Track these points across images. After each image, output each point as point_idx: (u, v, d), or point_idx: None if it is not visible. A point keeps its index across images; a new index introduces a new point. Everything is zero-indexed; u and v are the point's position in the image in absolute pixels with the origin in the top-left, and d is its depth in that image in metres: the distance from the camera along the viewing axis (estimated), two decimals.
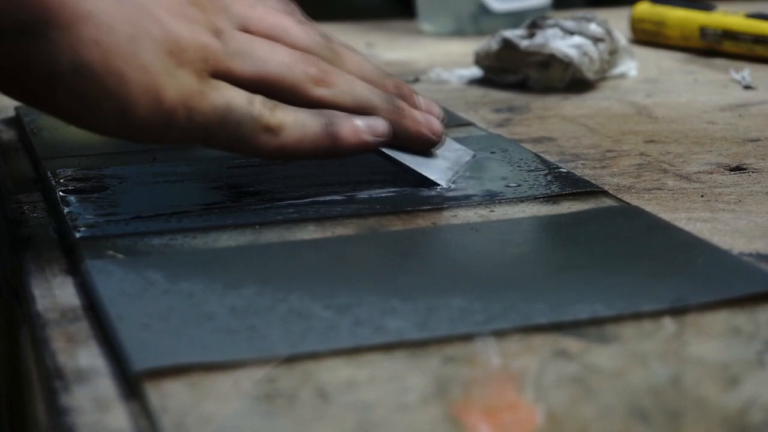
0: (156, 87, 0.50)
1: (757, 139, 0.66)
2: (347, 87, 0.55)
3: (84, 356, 0.41)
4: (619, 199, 0.55)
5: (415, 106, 0.58)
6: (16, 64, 0.49)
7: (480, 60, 0.83)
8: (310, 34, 0.56)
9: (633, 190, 0.57)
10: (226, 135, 0.52)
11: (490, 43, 0.82)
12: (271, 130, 0.52)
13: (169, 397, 0.37)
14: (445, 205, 0.54)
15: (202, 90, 0.51)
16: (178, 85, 0.50)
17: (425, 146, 0.58)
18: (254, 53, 0.53)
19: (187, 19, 0.51)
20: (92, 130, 0.52)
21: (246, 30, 0.54)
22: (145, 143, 0.53)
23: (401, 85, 0.59)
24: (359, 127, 0.54)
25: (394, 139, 0.56)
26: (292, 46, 0.55)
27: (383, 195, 0.56)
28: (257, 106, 0.52)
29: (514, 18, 1.01)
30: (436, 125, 0.58)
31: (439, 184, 0.57)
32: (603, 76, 0.82)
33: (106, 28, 0.49)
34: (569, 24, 0.80)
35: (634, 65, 0.84)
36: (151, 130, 0.51)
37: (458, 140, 0.62)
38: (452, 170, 0.58)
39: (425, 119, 0.58)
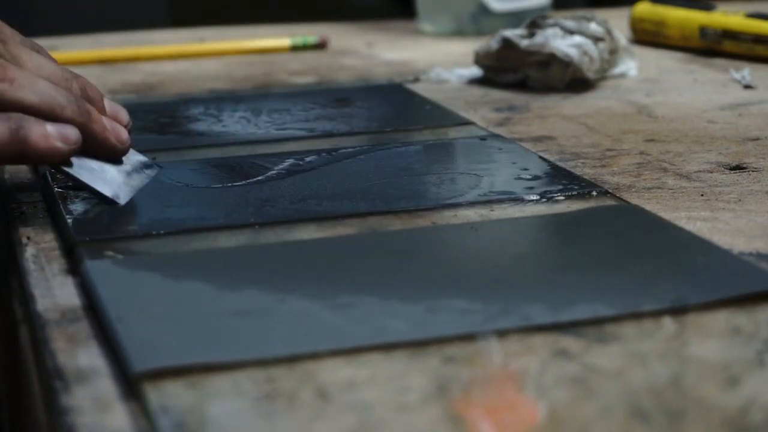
0: None
1: (757, 138, 0.66)
2: (29, 84, 0.53)
3: (84, 356, 0.41)
4: (619, 198, 0.55)
5: (102, 110, 0.56)
6: None
7: (480, 60, 0.83)
8: None
9: (633, 189, 0.57)
10: None
11: (490, 42, 0.82)
12: None
13: (169, 397, 0.37)
14: (445, 205, 0.54)
15: None
16: None
17: (110, 154, 0.56)
18: None
19: None
20: None
21: None
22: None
23: (89, 87, 0.56)
24: (50, 133, 0.52)
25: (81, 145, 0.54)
26: None
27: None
28: None
29: (514, 18, 1.01)
30: (123, 134, 0.56)
31: (116, 202, 0.54)
32: (603, 75, 0.82)
33: None
34: (569, 24, 0.80)
35: (634, 65, 0.84)
36: None
37: (457, 140, 0.62)
38: (130, 185, 0.56)
39: (112, 126, 0.56)
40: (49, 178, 0.58)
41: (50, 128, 0.53)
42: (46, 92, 0.53)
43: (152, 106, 0.77)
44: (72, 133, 0.53)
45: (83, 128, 0.54)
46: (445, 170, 0.60)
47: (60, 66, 0.56)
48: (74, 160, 0.54)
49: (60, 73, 0.55)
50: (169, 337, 0.40)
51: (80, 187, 0.55)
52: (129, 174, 0.56)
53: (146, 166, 0.57)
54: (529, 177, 0.58)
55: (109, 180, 0.55)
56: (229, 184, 0.58)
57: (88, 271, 0.46)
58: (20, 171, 0.63)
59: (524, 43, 0.79)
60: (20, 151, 0.52)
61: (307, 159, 0.62)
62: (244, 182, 0.58)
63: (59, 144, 0.53)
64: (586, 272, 0.46)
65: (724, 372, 0.38)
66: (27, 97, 0.53)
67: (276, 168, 0.60)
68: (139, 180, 0.56)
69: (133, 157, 0.57)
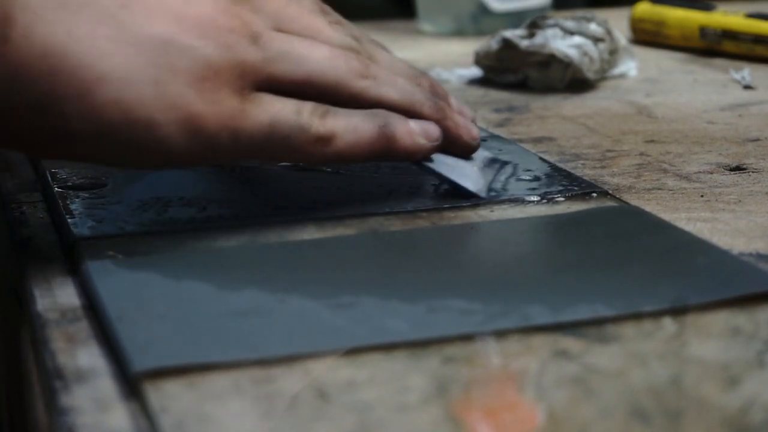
0: (191, 118, 0.48)
1: (757, 139, 0.66)
2: (389, 80, 0.53)
3: (84, 356, 0.41)
4: (619, 199, 0.55)
5: (451, 107, 0.56)
6: (31, 138, 0.47)
7: (480, 60, 0.83)
8: (342, 33, 0.54)
9: (633, 190, 0.57)
10: (275, 149, 0.50)
11: (490, 43, 0.82)
12: (322, 139, 0.50)
13: (169, 397, 0.37)
14: (445, 205, 0.54)
15: (243, 109, 0.49)
16: (218, 110, 0.48)
17: (463, 151, 0.56)
18: (293, 53, 0.51)
19: (219, 34, 0.49)
20: (132, 169, 0.51)
21: (280, 30, 0.52)
22: (197, 167, 0.51)
23: (436, 84, 0.57)
24: (414, 130, 0.53)
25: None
26: None
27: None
28: (306, 115, 0.50)
29: (514, 18, 1.01)
30: (474, 130, 0.56)
31: (479, 196, 0.55)
32: (603, 76, 0.82)
33: (123, 83, 0.46)
34: (569, 24, 0.80)
35: (634, 65, 0.84)
36: (196, 158, 0.49)
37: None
38: (485, 179, 0.56)
39: (464, 123, 0.56)
40: (49, 178, 0.58)
41: (414, 125, 0.53)
42: (405, 89, 0.53)
43: None
44: (434, 130, 0.53)
45: (439, 125, 0.54)
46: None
47: (408, 64, 0.56)
48: (434, 156, 0.55)
49: (410, 71, 0.56)
50: (169, 337, 0.40)
51: (443, 180, 0.55)
52: (481, 169, 0.57)
53: (493, 160, 0.58)
54: (529, 178, 0.58)
55: (468, 175, 0.56)
56: (229, 184, 0.58)
57: (88, 271, 0.46)
58: (20, 171, 0.63)
59: (524, 43, 0.79)
60: (387, 148, 0.52)
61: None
62: (243, 182, 0.58)
63: (423, 141, 0.53)
64: (586, 273, 0.46)
65: (724, 372, 0.38)
66: (389, 94, 0.53)
67: (276, 168, 0.60)
68: (491, 174, 0.57)
69: (480, 153, 0.57)
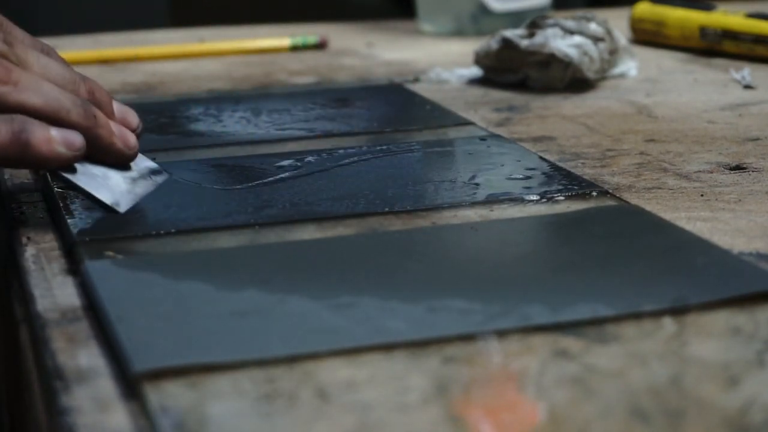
0: None
1: (757, 139, 0.66)
2: (34, 86, 0.52)
3: (84, 356, 0.41)
4: (619, 199, 0.55)
5: (110, 114, 0.55)
6: None
7: (480, 60, 0.83)
8: None
9: (633, 190, 0.57)
10: None
11: (490, 43, 0.82)
12: None
13: (169, 397, 0.37)
14: (445, 205, 0.54)
15: None
16: None
17: (117, 160, 0.54)
18: None
19: None
20: None
21: None
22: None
23: (97, 90, 0.55)
24: (54, 138, 0.51)
25: (86, 150, 0.53)
26: None
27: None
28: None
29: (514, 18, 1.01)
30: (131, 139, 0.55)
31: (116, 210, 0.53)
32: (603, 75, 0.82)
33: None
34: (569, 24, 0.80)
35: (634, 65, 0.84)
36: None
37: (457, 141, 0.62)
38: (133, 192, 0.54)
39: (120, 131, 0.54)
40: (49, 178, 0.58)
41: (54, 132, 0.52)
42: (51, 95, 0.52)
43: (152, 107, 0.76)
44: (76, 138, 0.52)
45: (89, 133, 0.53)
46: (444, 170, 0.60)
47: (69, 68, 0.55)
48: (78, 166, 0.53)
49: (68, 76, 0.54)
50: (169, 337, 0.40)
51: (82, 193, 0.54)
52: (134, 180, 0.55)
53: (154, 172, 0.56)
54: (529, 177, 0.58)
55: (112, 186, 0.54)
56: (229, 185, 0.58)
57: (88, 271, 0.46)
58: (20, 171, 0.63)
59: (524, 43, 0.79)
60: (21, 155, 0.51)
61: (307, 159, 0.62)
62: (244, 182, 0.58)
63: (62, 149, 0.52)
64: (586, 272, 0.46)
65: (724, 372, 0.38)
66: (31, 100, 0.52)
67: (276, 168, 0.60)
68: (145, 186, 0.55)
69: (142, 163, 0.56)
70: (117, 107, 0.56)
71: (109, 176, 0.54)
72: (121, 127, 0.55)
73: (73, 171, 0.53)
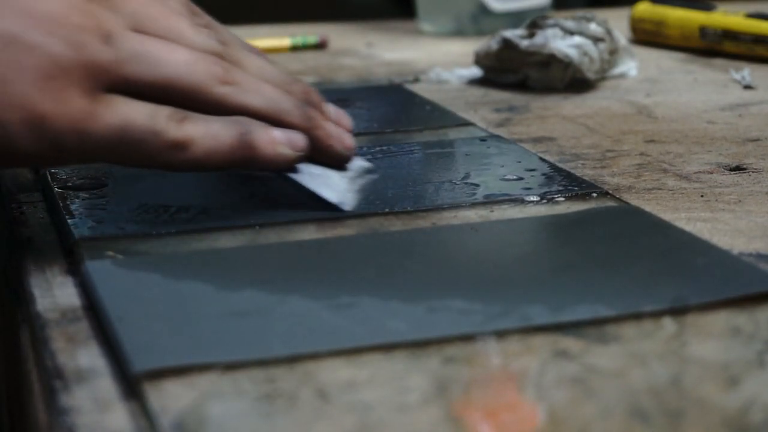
0: (36, 118, 0.46)
1: (757, 139, 0.66)
2: (254, 87, 0.51)
3: (84, 356, 0.41)
4: (619, 199, 0.55)
5: (325, 115, 0.54)
6: None
7: (480, 60, 0.83)
8: (207, 37, 0.52)
9: (633, 190, 0.57)
10: (126, 153, 0.49)
11: (490, 43, 0.82)
12: (177, 145, 0.49)
13: (168, 397, 0.37)
14: (445, 205, 0.54)
15: (93, 110, 0.47)
16: (65, 111, 0.47)
17: (335, 162, 0.54)
18: (148, 55, 0.49)
19: (69, 31, 0.47)
20: None
21: (138, 30, 0.50)
22: (51, 168, 0.50)
23: (310, 91, 0.54)
24: (277, 139, 0.51)
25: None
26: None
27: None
28: (161, 120, 0.49)
29: (514, 18, 1.01)
30: (348, 140, 0.54)
31: (341, 209, 0.53)
32: (603, 76, 0.82)
33: None
34: (569, 24, 0.80)
35: (634, 65, 0.84)
36: (44, 159, 0.48)
37: (457, 141, 0.62)
38: (353, 191, 0.54)
39: (337, 133, 0.54)
40: (49, 178, 0.58)
41: (277, 134, 0.51)
42: (271, 96, 0.52)
43: None
44: (299, 139, 0.52)
45: (308, 134, 0.52)
46: (444, 171, 0.60)
47: (281, 70, 0.54)
48: (299, 165, 0.53)
49: (282, 78, 0.53)
50: (169, 337, 0.40)
51: (305, 192, 0.53)
52: (352, 179, 0.54)
53: (368, 170, 0.55)
54: (529, 178, 0.58)
55: (334, 186, 0.54)
56: (229, 185, 0.58)
57: (88, 271, 0.46)
58: (20, 171, 0.63)
59: (524, 43, 0.79)
60: (247, 156, 0.51)
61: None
62: (243, 183, 0.58)
63: (286, 150, 0.51)
64: (586, 273, 0.46)
65: (724, 372, 0.38)
66: (252, 102, 0.51)
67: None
68: (362, 185, 0.55)
69: (355, 163, 0.55)
70: (332, 109, 0.55)
71: (330, 176, 0.54)
72: (338, 128, 0.54)
73: (296, 171, 0.53)
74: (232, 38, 0.54)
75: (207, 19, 0.53)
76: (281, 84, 0.53)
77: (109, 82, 0.48)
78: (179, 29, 0.51)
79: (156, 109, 0.49)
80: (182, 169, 0.50)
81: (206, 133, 0.50)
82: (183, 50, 0.50)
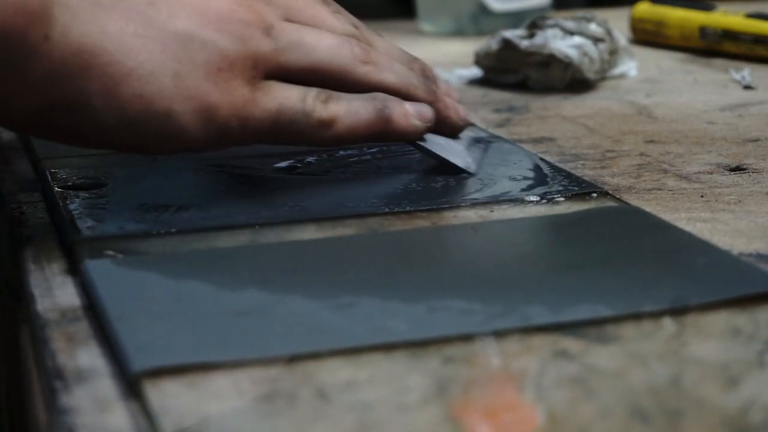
0: (206, 108, 0.51)
1: (757, 139, 0.66)
2: (388, 65, 0.57)
3: (84, 356, 0.41)
4: (619, 200, 0.55)
5: (441, 89, 0.59)
6: (62, 129, 0.50)
7: (480, 60, 0.83)
8: (344, 22, 0.57)
9: (633, 191, 0.57)
10: (280, 134, 0.53)
11: (490, 43, 0.82)
12: (324, 123, 0.54)
13: (168, 397, 0.37)
14: (445, 205, 0.54)
15: (253, 97, 0.52)
16: (231, 99, 0.52)
17: (453, 131, 0.60)
18: (303, 42, 0.54)
19: (236, 27, 0.52)
20: (149, 154, 0.56)
21: (290, 20, 0.55)
22: (203, 153, 0.54)
23: (427, 67, 0.60)
24: (410, 112, 0.56)
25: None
26: None
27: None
28: (309, 101, 0.53)
29: (514, 18, 1.01)
30: (462, 111, 0.60)
31: (469, 172, 0.58)
32: (603, 76, 0.82)
33: (148, 78, 0.50)
34: (569, 24, 0.80)
35: (634, 65, 0.84)
36: (210, 145, 0.52)
37: (453, 141, 0.62)
38: (473, 157, 0.59)
39: (453, 104, 0.59)
40: (49, 178, 0.58)
41: (409, 107, 0.56)
42: (402, 73, 0.57)
43: None
44: (427, 111, 0.57)
45: (432, 106, 0.57)
46: (444, 171, 0.60)
47: (402, 49, 0.59)
48: (426, 135, 0.58)
49: (405, 56, 0.59)
50: (169, 337, 0.40)
51: (436, 158, 0.58)
52: (469, 148, 0.60)
53: (479, 140, 0.61)
54: (529, 178, 0.58)
55: (458, 153, 0.59)
56: (229, 185, 0.58)
57: (88, 271, 0.46)
58: (20, 171, 0.63)
59: (524, 43, 0.79)
60: (384, 129, 0.55)
61: (307, 160, 0.62)
62: (243, 183, 0.58)
63: (417, 122, 0.56)
64: (586, 273, 0.46)
65: (724, 372, 0.38)
66: (388, 78, 0.56)
67: (276, 168, 0.60)
68: (478, 153, 0.60)
69: (467, 132, 0.61)
70: (443, 84, 0.61)
71: (452, 144, 0.59)
72: (452, 100, 0.60)
73: (425, 141, 0.58)
74: (360, 23, 0.59)
75: (337, 6, 0.59)
76: (405, 62, 0.58)
77: (268, 70, 0.53)
78: (322, 17, 0.56)
79: (305, 91, 0.54)
80: (328, 144, 0.55)
81: (348, 110, 0.54)
82: (329, 36, 0.55)
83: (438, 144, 0.59)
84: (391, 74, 0.56)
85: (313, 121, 0.53)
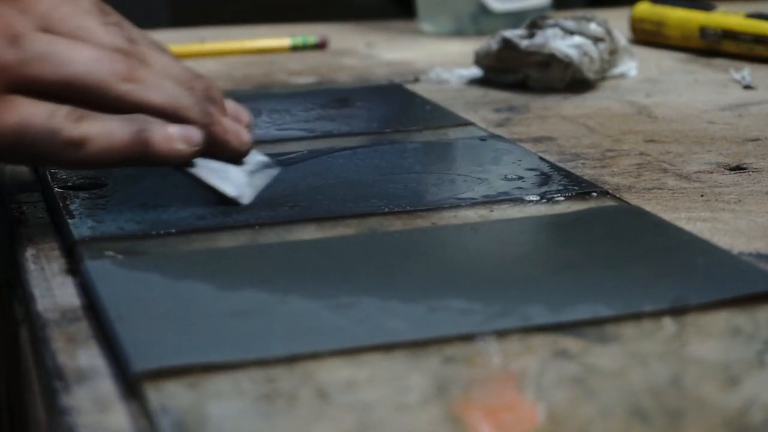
0: None
1: (757, 139, 0.66)
2: (156, 84, 0.53)
3: (84, 356, 0.41)
4: (619, 199, 0.55)
5: (224, 111, 0.56)
6: None
7: (480, 60, 0.83)
8: (115, 35, 0.54)
9: (633, 190, 0.57)
10: (23, 152, 0.51)
11: (490, 43, 0.82)
12: (73, 143, 0.50)
13: (169, 397, 0.37)
14: (445, 205, 0.54)
15: None
16: None
17: (232, 156, 0.55)
18: (54, 55, 0.51)
19: None
20: None
21: (48, 31, 0.52)
22: None
23: (211, 87, 0.56)
24: (173, 135, 0.52)
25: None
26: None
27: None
28: (58, 119, 0.50)
29: (514, 18, 1.01)
30: (245, 135, 0.55)
31: (239, 202, 0.54)
32: (603, 76, 0.82)
33: None
34: (569, 24, 0.80)
35: (634, 65, 0.84)
36: None
37: (457, 141, 0.62)
38: (252, 185, 0.55)
39: (234, 129, 0.55)
40: (49, 178, 0.58)
41: (173, 130, 0.53)
42: (171, 93, 0.53)
43: None
44: (195, 135, 0.53)
45: (205, 130, 0.54)
46: (444, 171, 0.61)
47: (185, 66, 0.56)
48: (198, 161, 0.54)
49: (185, 74, 0.55)
50: (169, 337, 0.40)
51: (203, 186, 0.55)
52: (251, 174, 0.56)
53: (267, 165, 0.57)
54: (529, 178, 0.58)
55: (232, 179, 0.55)
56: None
57: (88, 271, 0.46)
58: (20, 171, 0.63)
59: (524, 43, 0.79)
60: (143, 152, 0.52)
61: (306, 159, 0.62)
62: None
63: (182, 146, 0.53)
64: (586, 273, 0.46)
65: (724, 372, 0.38)
66: (153, 98, 0.53)
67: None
68: (262, 180, 0.56)
69: (255, 157, 0.57)
70: (230, 105, 0.57)
71: (228, 170, 0.55)
72: (235, 123, 0.56)
73: (194, 166, 0.54)
74: (141, 36, 0.55)
75: (117, 17, 0.55)
76: (184, 81, 0.54)
77: (13, 83, 0.50)
78: (88, 28, 0.53)
79: (54, 109, 0.50)
80: (80, 166, 0.52)
81: (102, 130, 0.51)
82: (88, 48, 0.52)
83: (210, 170, 0.55)
84: (158, 93, 0.53)
85: (61, 140, 0.50)
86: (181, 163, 0.54)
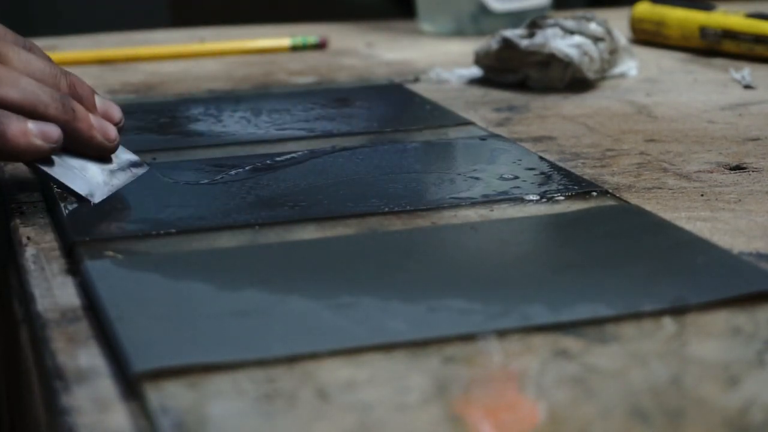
0: None
1: (757, 139, 0.66)
2: (12, 81, 0.54)
3: (84, 356, 0.41)
4: (619, 199, 0.55)
5: (91, 107, 0.56)
6: None
7: (480, 60, 0.83)
8: None
9: (633, 190, 0.57)
10: None
11: (490, 43, 0.82)
12: None
13: (169, 397, 0.37)
14: (445, 205, 0.54)
15: None
16: None
17: (98, 152, 0.56)
18: None
19: None
20: None
21: None
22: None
23: (78, 84, 0.57)
24: (30, 131, 0.53)
25: (65, 143, 0.55)
26: None
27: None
28: None
29: (514, 18, 1.01)
30: (111, 132, 0.56)
31: (89, 200, 0.55)
32: (603, 75, 0.82)
33: None
34: (569, 24, 0.80)
35: (634, 65, 0.84)
36: None
37: (457, 141, 0.62)
38: (110, 184, 0.56)
39: (99, 124, 0.56)
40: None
41: (31, 125, 0.53)
42: (29, 90, 0.54)
43: (152, 106, 0.77)
44: (53, 131, 0.54)
45: (67, 126, 0.54)
46: (444, 170, 0.61)
47: (50, 64, 0.56)
48: (56, 158, 0.55)
49: (48, 71, 0.56)
50: (169, 337, 0.40)
51: (57, 184, 0.55)
52: (113, 172, 0.57)
53: (134, 164, 0.58)
54: (529, 177, 0.58)
55: (88, 178, 0.55)
56: (229, 184, 0.58)
57: (88, 271, 0.46)
58: (20, 171, 0.63)
59: (524, 43, 0.79)
60: None
61: (306, 159, 0.62)
62: (244, 183, 0.58)
63: (39, 141, 0.53)
64: (586, 272, 0.46)
65: (724, 372, 0.38)
66: (8, 94, 0.53)
67: (275, 168, 0.60)
68: (123, 179, 0.57)
69: (122, 156, 0.57)
70: (99, 101, 0.57)
71: (87, 168, 0.56)
72: (102, 120, 0.56)
73: (50, 163, 0.55)
74: (2, 34, 0.56)
75: None
76: (47, 77, 0.55)
77: None
78: None
79: None
80: None
81: None
82: None
83: (68, 167, 0.55)
84: (15, 90, 0.53)
85: None
86: (37, 158, 0.54)
